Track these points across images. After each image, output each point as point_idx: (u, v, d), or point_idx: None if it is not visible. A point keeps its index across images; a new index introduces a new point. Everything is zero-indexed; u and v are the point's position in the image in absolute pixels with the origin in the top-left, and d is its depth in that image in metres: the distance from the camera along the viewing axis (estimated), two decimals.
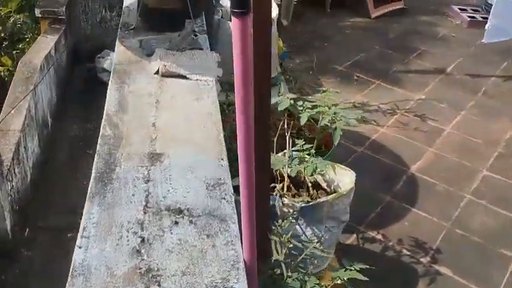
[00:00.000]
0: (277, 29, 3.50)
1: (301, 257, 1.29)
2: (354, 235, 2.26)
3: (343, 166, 1.79)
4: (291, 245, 1.37)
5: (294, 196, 1.74)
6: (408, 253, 2.18)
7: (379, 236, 2.26)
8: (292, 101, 1.62)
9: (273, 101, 1.70)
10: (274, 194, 1.55)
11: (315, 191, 1.83)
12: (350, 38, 4.20)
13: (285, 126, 1.74)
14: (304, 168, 1.58)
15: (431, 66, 3.84)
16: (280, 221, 1.14)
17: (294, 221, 1.64)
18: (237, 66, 0.84)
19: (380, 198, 2.48)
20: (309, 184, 1.78)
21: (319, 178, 1.80)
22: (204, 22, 2.09)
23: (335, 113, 1.59)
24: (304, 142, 1.73)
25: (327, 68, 3.69)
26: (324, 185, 1.81)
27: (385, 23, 4.51)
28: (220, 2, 2.96)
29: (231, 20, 2.29)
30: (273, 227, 1.12)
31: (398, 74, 3.70)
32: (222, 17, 2.73)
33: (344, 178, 1.75)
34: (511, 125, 3.17)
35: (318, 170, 1.61)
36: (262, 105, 1.05)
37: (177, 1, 1.89)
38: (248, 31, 0.81)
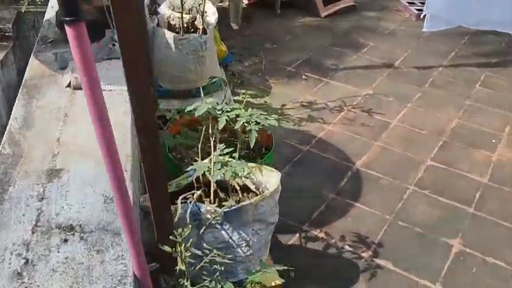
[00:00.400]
0: (220, 33, 3.50)
1: (200, 265, 1.26)
2: (297, 235, 2.25)
3: (269, 167, 1.78)
4: (209, 252, 1.35)
5: (221, 201, 1.72)
6: (350, 249, 2.18)
7: (322, 234, 2.25)
8: (210, 106, 1.60)
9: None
10: (189, 201, 1.53)
11: (245, 194, 1.81)
12: (300, 38, 4.22)
13: (210, 130, 1.72)
14: (224, 173, 1.57)
15: (380, 61, 3.88)
16: (180, 229, 1.12)
17: (219, 226, 1.62)
18: (81, 72, 0.81)
19: (324, 196, 2.48)
20: (237, 188, 1.76)
21: (247, 181, 1.79)
22: None
23: (250, 115, 1.58)
24: (235, 146, 1.71)
25: (276, 69, 3.69)
26: (252, 187, 1.80)
27: (335, 21, 4.54)
28: (158, 10, 2.94)
29: (168, 28, 2.22)
30: (171, 237, 1.10)
31: (346, 70, 3.72)
32: (157, 25, 2.71)
33: (271, 179, 1.74)
34: (456, 113, 3.22)
35: (241, 173, 1.60)
36: (145, 116, 1.03)
37: (96, 12, 1.86)
38: (84, 38, 0.78)
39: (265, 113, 1.69)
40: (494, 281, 2.04)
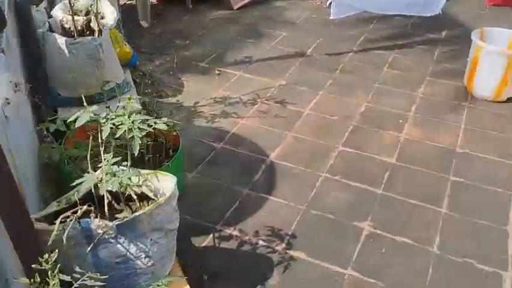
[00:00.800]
0: (128, 32, 3.37)
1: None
2: (211, 236, 2.21)
3: (164, 172, 1.72)
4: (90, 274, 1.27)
5: (117, 213, 1.65)
6: (264, 244, 2.18)
7: (236, 232, 2.23)
8: (93, 114, 1.52)
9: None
10: (69, 219, 1.45)
11: (144, 202, 1.74)
12: (213, 32, 4.16)
13: (100, 140, 1.63)
14: (112, 184, 1.49)
15: (292, 50, 3.90)
16: (46, 255, 1.04)
17: (113, 240, 1.54)
18: None
19: (238, 192, 2.46)
20: (135, 197, 1.69)
21: (144, 189, 1.72)
22: (5, 39, 1.91)
23: (133, 122, 1.51)
24: (120, 156, 1.64)
25: (189, 66, 3.62)
26: (151, 194, 1.73)
27: (247, 12, 4.53)
28: (52, 13, 2.77)
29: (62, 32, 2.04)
30: (34, 265, 1.01)
31: (259, 62, 3.71)
32: (48, 30, 2.55)
33: (167, 184, 1.69)
34: (365, 97, 3.30)
35: (128, 183, 1.53)
36: None
37: None
38: None
39: (153, 117, 1.62)
40: (402, 259, 2.11)
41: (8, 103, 1.55)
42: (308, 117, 3.08)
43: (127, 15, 4.07)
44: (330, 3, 3.59)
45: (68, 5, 2.54)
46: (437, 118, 3.08)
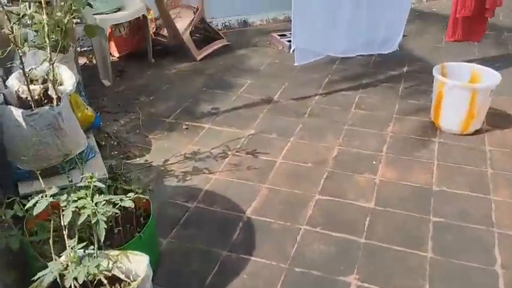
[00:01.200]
0: (88, 94, 3.28)
1: None
2: None
3: (135, 252, 1.60)
4: None
5: None
6: None
7: None
8: (52, 199, 1.40)
9: None
10: None
11: (116, 285, 1.62)
12: (177, 85, 4.11)
13: (62, 223, 1.51)
14: (78, 273, 1.37)
15: (259, 97, 3.88)
16: None
17: None
18: None
19: (217, 255, 2.34)
20: (105, 281, 1.56)
21: (116, 271, 1.60)
22: None
23: (96, 204, 1.40)
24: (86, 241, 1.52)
25: (155, 123, 3.53)
26: (122, 276, 1.61)
27: (211, 63, 4.52)
28: (6, 83, 2.67)
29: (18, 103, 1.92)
30: None
31: (227, 113, 3.67)
32: (3, 102, 2.43)
33: (140, 265, 1.57)
34: (336, 140, 3.28)
35: (95, 271, 1.41)
36: None
37: None
38: None
39: (118, 196, 1.52)
40: None
41: None
42: (281, 166, 3.02)
43: (88, 74, 3.99)
44: (294, 50, 3.60)
45: (23, 74, 2.44)
46: (409, 156, 3.08)
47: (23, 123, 2.31)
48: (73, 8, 2.34)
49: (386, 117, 3.55)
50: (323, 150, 3.17)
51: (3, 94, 2.48)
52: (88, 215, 1.38)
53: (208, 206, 2.69)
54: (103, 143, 3.20)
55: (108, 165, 2.90)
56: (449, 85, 3.10)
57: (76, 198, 1.45)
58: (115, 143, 3.27)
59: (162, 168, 3.02)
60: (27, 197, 2.22)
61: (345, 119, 3.54)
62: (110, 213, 1.42)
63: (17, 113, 2.30)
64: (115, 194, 1.98)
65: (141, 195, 2.19)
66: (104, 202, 1.42)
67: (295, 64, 3.71)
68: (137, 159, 3.12)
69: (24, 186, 2.35)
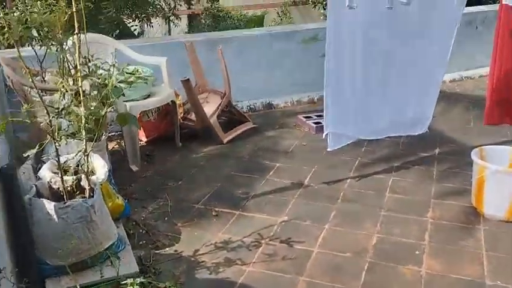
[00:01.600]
0: (117, 180, 3.23)
1: None
2: None
3: None
4: None
5: None
6: None
7: None
8: None
9: None
10: None
11: None
12: (205, 169, 4.06)
13: None
14: None
15: (289, 181, 3.79)
16: None
17: None
18: None
19: None
20: None
21: None
22: None
23: None
24: None
25: (184, 209, 3.43)
26: None
27: (238, 146, 4.49)
28: (39, 174, 2.64)
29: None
30: None
31: (257, 198, 3.56)
32: (36, 194, 2.38)
33: None
34: (374, 227, 3.12)
35: None
36: None
37: None
38: None
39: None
40: None
41: None
42: (318, 256, 2.86)
43: (116, 159, 3.98)
44: (326, 134, 3.56)
45: (57, 164, 2.41)
46: (454, 245, 2.89)
47: (55, 216, 2.24)
48: (111, 99, 2.35)
49: (423, 202, 3.40)
50: (361, 239, 3.01)
51: (36, 186, 2.43)
52: None
53: None
54: (131, 231, 3.09)
55: (137, 256, 2.77)
56: (491, 170, 2.98)
57: None
58: (144, 232, 3.15)
59: (193, 259, 2.87)
60: None
61: (380, 204, 3.40)
62: None
63: (49, 206, 2.24)
64: None
65: None
66: None
67: (329, 149, 3.66)
68: (167, 249, 2.99)
69: (52, 284, 2.22)
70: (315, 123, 4.80)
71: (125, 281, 1.35)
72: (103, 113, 2.36)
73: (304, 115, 5.05)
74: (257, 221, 3.25)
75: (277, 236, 3.08)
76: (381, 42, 3.58)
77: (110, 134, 4.46)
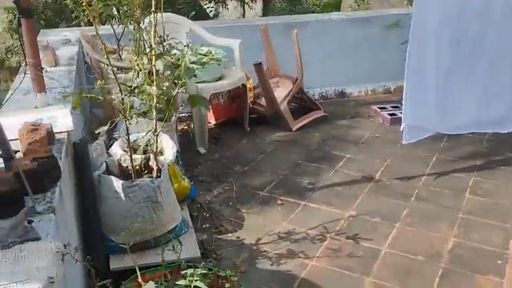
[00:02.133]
0: (184, 161, 3.22)
1: None
2: None
3: None
4: None
5: None
6: None
7: None
8: None
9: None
10: None
11: None
12: (272, 156, 3.98)
13: None
14: None
15: (359, 174, 3.61)
16: None
17: None
18: None
19: None
20: None
21: None
22: (58, 195, 1.73)
23: None
24: None
25: (249, 196, 3.37)
26: None
27: (307, 133, 4.36)
28: (110, 151, 2.67)
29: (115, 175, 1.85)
30: None
31: (324, 189, 3.43)
32: (105, 171, 2.41)
33: None
34: (451, 230, 2.88)
35: None
36: None
37: (9, 182, 1.54)
38: None
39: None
40: None
41: (52, 282, 1.30)
42: (387, 256, 2.68)
43: (184, 141, 3.98)
44: (403, 127, 3.33)
45: (127, 144, 2.42)
46: None
47: (122, 195, 2.25)
48: (183, 80, 2.30)
49: (508, 207, 3.10)
50: (435, 241, 2.79)
51: (106, 162, 2.46)
52: None
53: None
54: (195, 214, 3.09)
55: (199, 240, 2.75)
56: None
57: None
58: (207, 215, 3.13)
59: (255, 247, 2.81)
60: (117, 272, 2.12)
61: (459, 206, 3.14)
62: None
63: (117, 184, 2.25)
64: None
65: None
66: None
67: (404, 142, 3.42)
68: (229, 234, 2.94)
69: (116, 261, 2.24)
70: (390, 114, 4.55)
71: (185, 271, 1.30)
72: (174, 93, 2.32)
73: (379, 105, 4.81)
74: (323, 214, 3.12)
75: (344, 231, 2.93)
76: (472, 30, 3.26)
77: (180, 115, 4.50)
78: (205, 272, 1.75)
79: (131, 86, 2.17)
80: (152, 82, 2.38)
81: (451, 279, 2.48)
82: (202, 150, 4.02)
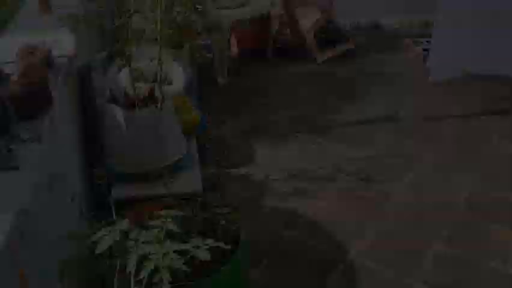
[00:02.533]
0: (194, 93, 3.12)
1: None
2: None
3: None
4: None
5: None
6: None
7: None
8: (117, 237, 1.18)
9: None
10: None
11: None
12: (293, 89, 3.81)
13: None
14: None
15: (383, 113, 3.42)
16: None
17: None
18: None
19: None
20: None
21: None
22: (48, 123, 1.67)
23: (164, 255, 1.15)
24: None
25: (264, 129, 3.27)
26: None
27: (333, 67, 4.13)
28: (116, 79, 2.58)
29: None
30: None
31: (344, 127, 3.27)
32: (111, 99, 2.33)
33: None
34: (473, 178, 2.72)
35: None
36: None
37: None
38: None
39: (193, 242, 1.25)
40: None
41: (26, 215, 1.27)
42: (400, 202, 2.57)
43: (203, 71, 3.84)
44: (430, 63, 3.08)
45: (133, 71, 2.31)
46: None
47: (124, 124, 2.18)
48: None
49: None
50: (453, 188, 2.64)
51: (111, 90, 2.38)
52: (151, 270, 1.13)
53: (307, 239, 2.35)
54: (206, 146, 3.02)
55: (207, 173, 2.70)
56: None
57: (144, 240, 1.21)
58: (218, 149, 3.07)
59: (263, 183, 2.75)
60: (119, 202, 2.09)
61: (489, 152, 2.94)
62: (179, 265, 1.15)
63: (119, 113, 2.18)
64: (205, 221, 1.74)
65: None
66: (171, 251, 1.16)
67: (430, 79, 3.17)
68: (239, 168, 2.88)
69: (118, 190, 2.23)
70: (425, 49, 4.22)
71: (161, 211, 1.25)
72: (181, 17, 2.17)
73: (414, 39, 4.47)
74: (340, 152, 2.99)
75: (358, 171, 2.81)
76: None
77: (199, 43, 4.32)
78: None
79: (129, 10, 2.02)
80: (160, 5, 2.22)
81: (463, 229, 2.36)
82: (221, 79, 3.89)
